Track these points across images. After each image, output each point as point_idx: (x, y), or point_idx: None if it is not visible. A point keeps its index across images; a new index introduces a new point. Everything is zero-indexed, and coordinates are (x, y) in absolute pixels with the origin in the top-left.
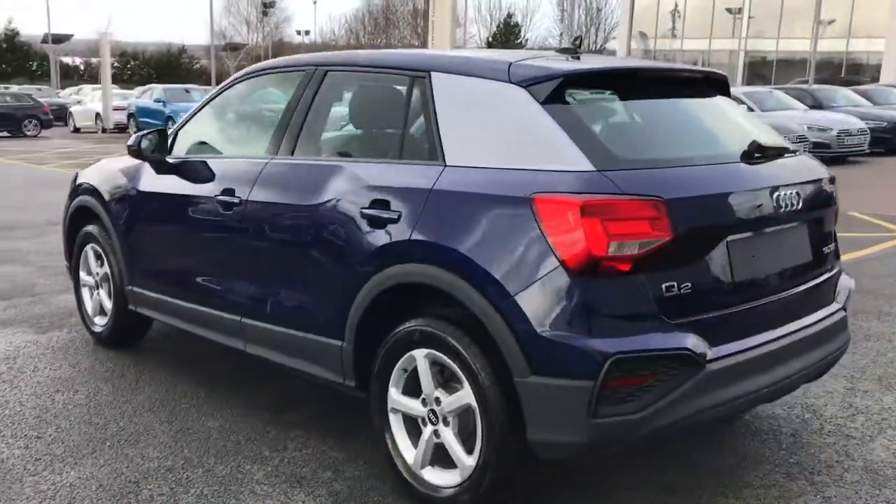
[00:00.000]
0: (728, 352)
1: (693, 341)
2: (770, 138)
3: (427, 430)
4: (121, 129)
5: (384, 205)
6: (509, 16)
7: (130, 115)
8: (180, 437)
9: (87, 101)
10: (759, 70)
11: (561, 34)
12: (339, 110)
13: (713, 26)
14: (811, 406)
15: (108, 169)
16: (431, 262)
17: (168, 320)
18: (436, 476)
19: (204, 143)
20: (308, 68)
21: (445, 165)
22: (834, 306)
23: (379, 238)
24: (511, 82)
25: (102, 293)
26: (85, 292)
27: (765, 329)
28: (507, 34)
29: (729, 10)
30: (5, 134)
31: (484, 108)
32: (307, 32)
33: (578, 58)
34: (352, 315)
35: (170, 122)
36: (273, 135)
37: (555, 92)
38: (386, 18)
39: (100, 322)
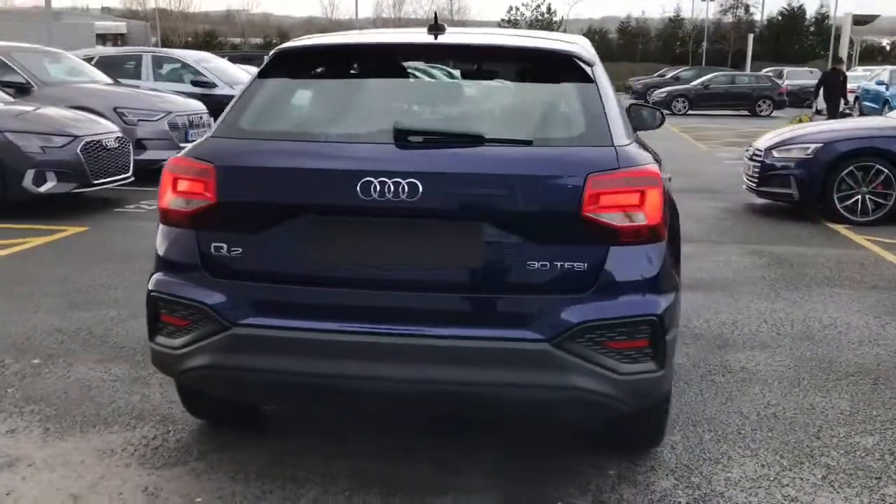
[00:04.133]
0: (272, 324)
1: (221, 301)
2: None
3: None
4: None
5: None
6: None
7: (855, 98)
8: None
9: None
10: None
11: None
12: None
13: None
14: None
15: None
16: None
17: None
18: None
19: None
20: None
21: None
22: (522, 333)
23: None
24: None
25: None
26: None
27: (345, 318)
28: None
29: None
30: (744, 112)
31: None
32: None
33: (436, 35)
34: None
35: (885, 107)
36: None
37: (268, 66)
38: None
39: None
